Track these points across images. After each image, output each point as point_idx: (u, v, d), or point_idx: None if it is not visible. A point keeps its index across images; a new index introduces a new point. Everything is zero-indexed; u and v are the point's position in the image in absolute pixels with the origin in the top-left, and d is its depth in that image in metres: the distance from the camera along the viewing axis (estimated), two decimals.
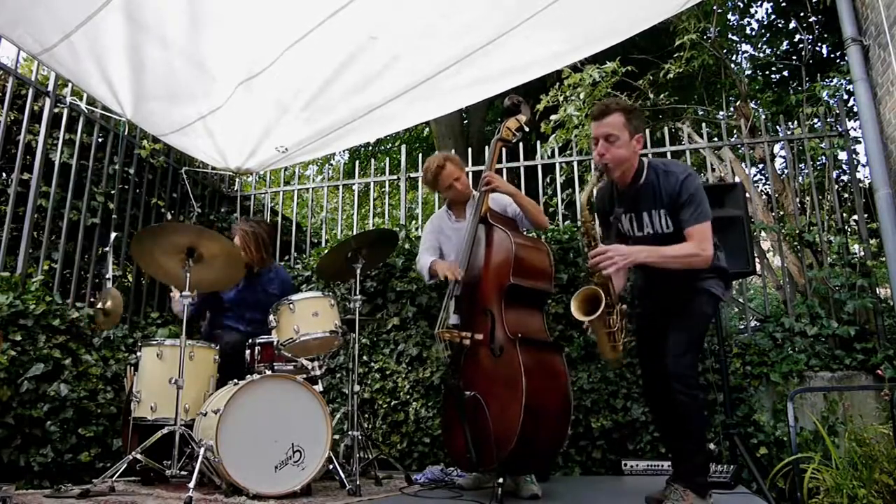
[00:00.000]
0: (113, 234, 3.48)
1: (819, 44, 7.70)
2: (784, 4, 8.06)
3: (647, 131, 2.59)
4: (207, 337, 3.55)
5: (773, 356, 3.79)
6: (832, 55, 7.62)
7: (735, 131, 5.10)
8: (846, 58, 4.28)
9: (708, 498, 2.32)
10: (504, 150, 3.14)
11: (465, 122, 9.11)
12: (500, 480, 2.47)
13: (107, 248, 3.40)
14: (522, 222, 3.11)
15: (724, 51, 6.70)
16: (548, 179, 5.21)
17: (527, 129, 3.05)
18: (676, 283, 2.41)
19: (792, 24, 7.81)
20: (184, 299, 2.88)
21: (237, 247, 3.44)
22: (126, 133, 4.47)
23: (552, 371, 2.69)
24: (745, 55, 8.24)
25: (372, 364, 4.24)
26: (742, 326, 5.10)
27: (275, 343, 3.07)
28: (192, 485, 2.44)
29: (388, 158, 7.54)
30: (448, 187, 3.17)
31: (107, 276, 3.38)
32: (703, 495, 2.30)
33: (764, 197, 6.15)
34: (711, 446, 3.31)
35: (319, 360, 3.12)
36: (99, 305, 3.24)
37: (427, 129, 10.36)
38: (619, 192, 2.52)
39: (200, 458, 2.56)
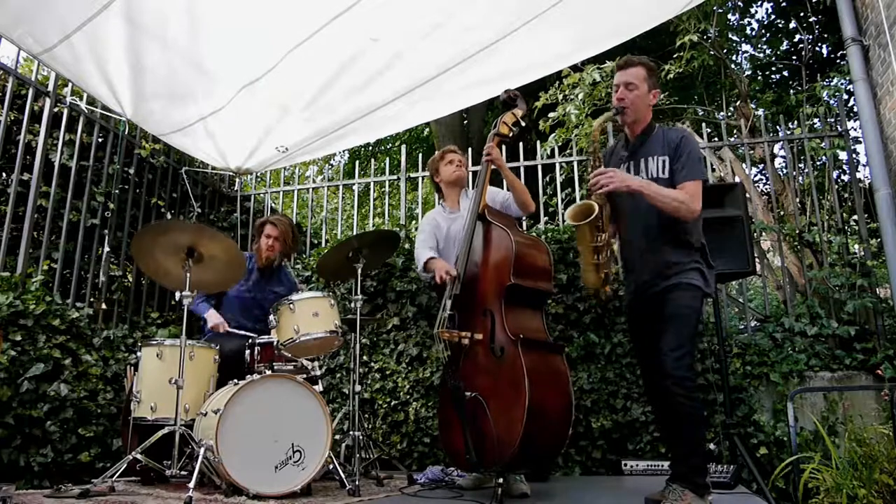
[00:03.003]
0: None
1: (819, 44, 7.70)
2: (784, 4, 8.04)
3: None
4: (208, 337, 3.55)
5: (773, 356, 3.79)
6: (832, 55, 7.61)
7: (735, 131, 5.10)
8: (846, 58, 4.27)
9: (706, 498, 2.33)
10: (503, 146, 3.06)
11: (465, 122, 9.10)
12: (500, 480, 2.47)
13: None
14: (510, 208, 3.08)
15: (724, 51, 6.68)
16: (547, 179, 5.21)
17: (524, 123, 2.98)
18: (661, 276, 2.45)
19: (792, 24, 7.79)
20: (184, 299, 2.88)
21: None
22: (126, 133, 4.46)
23: (554, 372, 2.68)
24: (745, 55, 8.21)
25: (372, 364, 4.24)
26: (742, 326, 5.09)
27: (275, 343, 3.07)
28: (192, 485, 2.44)
29: (388, 158, 7.53)
30: (449, 161, 3.24)
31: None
32: (702, 495, 2.30)
33: (764, 197, 6.14)
34: (711, 446, 3.31)
35: (319, 360, 3.12)
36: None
37: (427, 130, 10.36)
38: (626, 144, 2.64)
39: (200, 458, 2.56)
